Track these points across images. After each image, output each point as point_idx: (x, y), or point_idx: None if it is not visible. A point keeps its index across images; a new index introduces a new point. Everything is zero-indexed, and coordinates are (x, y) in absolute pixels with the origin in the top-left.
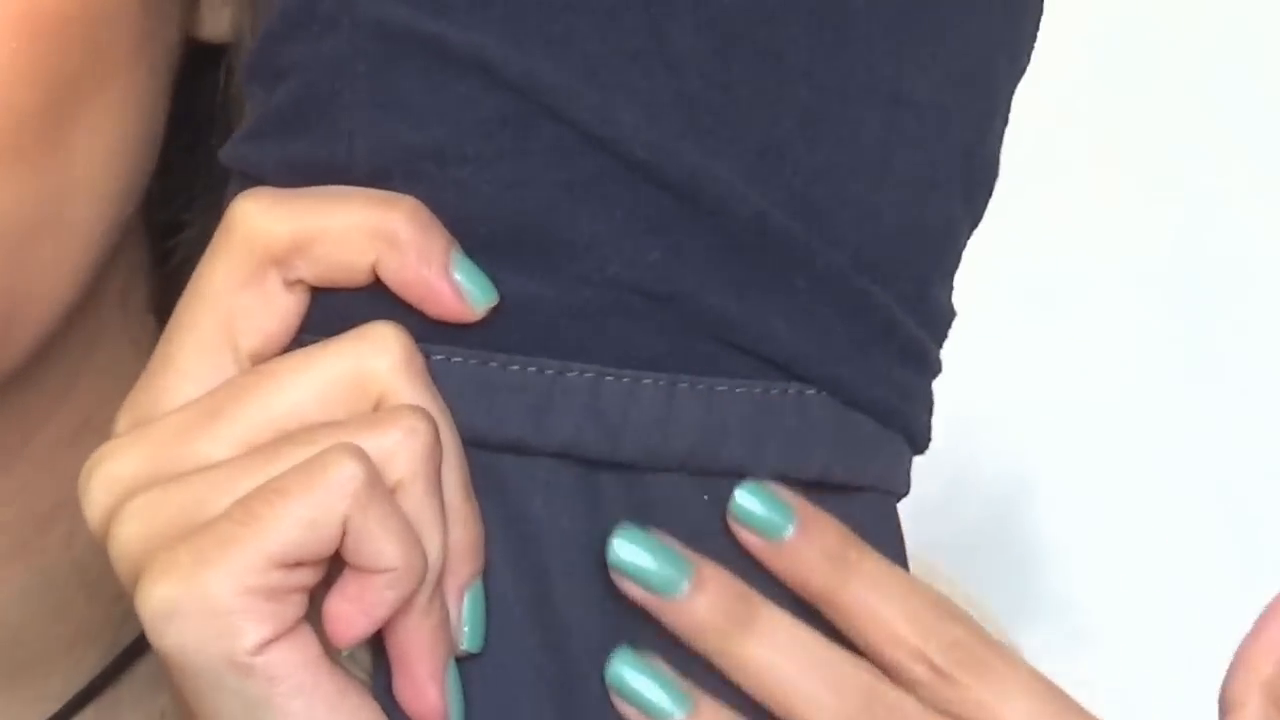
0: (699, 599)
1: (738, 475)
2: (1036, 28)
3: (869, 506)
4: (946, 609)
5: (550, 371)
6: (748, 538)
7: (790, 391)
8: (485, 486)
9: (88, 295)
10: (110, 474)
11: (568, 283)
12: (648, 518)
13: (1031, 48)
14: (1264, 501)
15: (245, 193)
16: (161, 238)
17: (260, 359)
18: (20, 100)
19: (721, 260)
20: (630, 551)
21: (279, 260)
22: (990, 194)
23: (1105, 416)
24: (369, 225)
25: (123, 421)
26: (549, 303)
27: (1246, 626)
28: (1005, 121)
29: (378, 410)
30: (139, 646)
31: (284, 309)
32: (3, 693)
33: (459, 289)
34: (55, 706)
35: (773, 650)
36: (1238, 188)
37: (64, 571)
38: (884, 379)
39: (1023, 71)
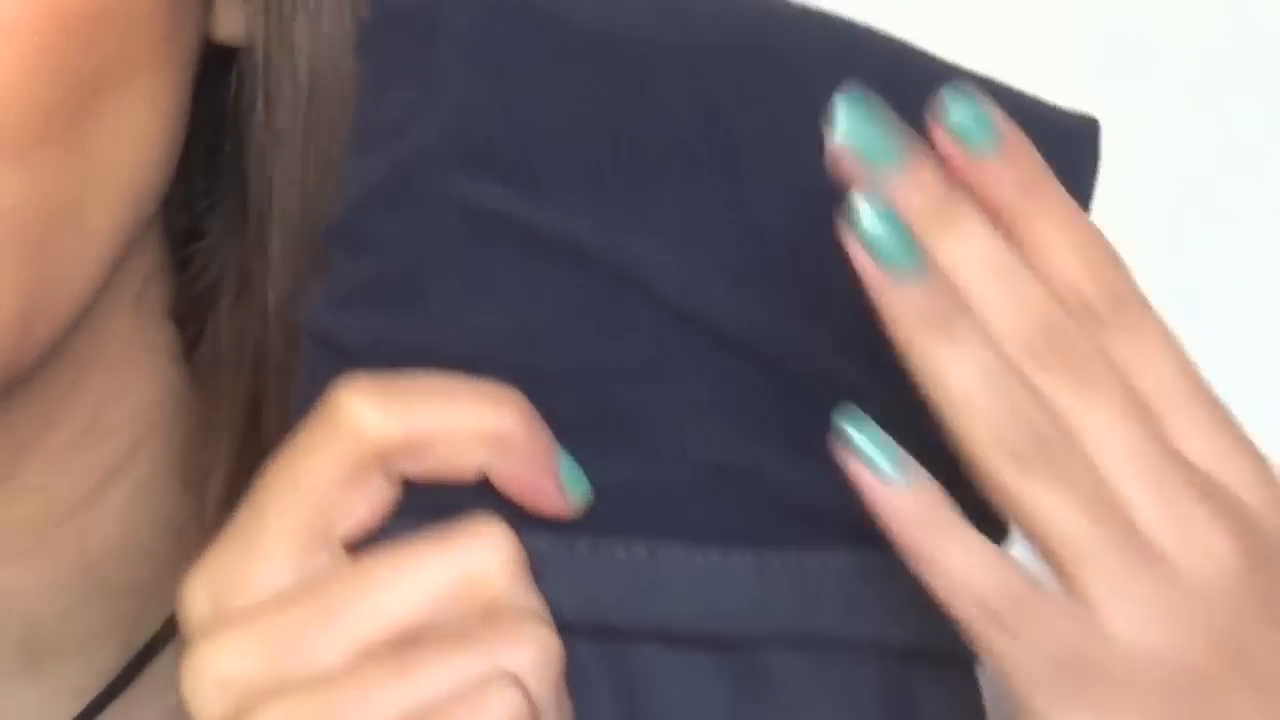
0: (911, 180)
1: (837, 644)
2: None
3: (959, 681)
4: (1118, 262)
5: (641, 551)
6: (951, 148)
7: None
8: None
9: (102, 295)
10: (225, 675)
11: (651, 464)
12: (755, 693)
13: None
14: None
15: (350, 385)
16: (181, 243)
17: (351, 544)
18: (46, 96)
19: (807, 428)
20: (853, 122)
21: (387, 460)
22: None
23: None
24: (482, 429)
25: (199, 595)
26: (635, 485)
27: None
28: None
29: (489, 613)
30: (155, 645)
31: (383, 501)
32: (22, 684)
33: (563, 488)
34: (72, 699)
35: (967, 247)
36: (1237, 187)
37: (78, 568)
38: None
39: None
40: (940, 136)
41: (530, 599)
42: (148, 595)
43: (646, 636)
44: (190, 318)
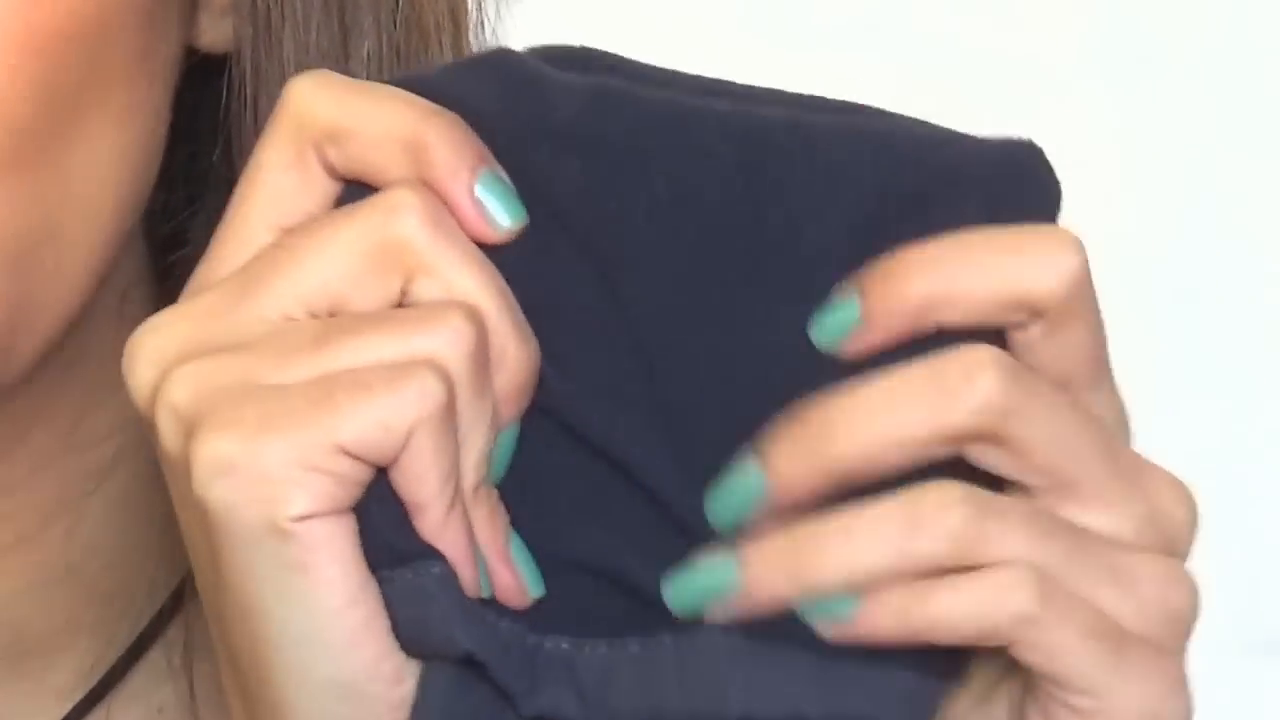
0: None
1: None
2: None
3: None
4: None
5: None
6: (855, 347)
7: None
8: None
9: (84, 304)
10: (155, 347)
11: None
12: None
13: None
14: (1264, 502)
15: (308, 72)
16: (164, 250)
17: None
18: (20, 115)
19: (656, 540)
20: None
21: (317, 142)
22: None
23: None
24: (403, 134)
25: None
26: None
27: (1246, 628)
28: None
29: (412, 286)
30: (139, 645)
31: (325, 192)
32: (6, 685)
33: (481, 208)
34: (56, 700)
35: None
36: (1238, 188)
37: (62, 569)
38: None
39: None
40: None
41: (453, 262)
42: (131, 597)
43: None
44: None
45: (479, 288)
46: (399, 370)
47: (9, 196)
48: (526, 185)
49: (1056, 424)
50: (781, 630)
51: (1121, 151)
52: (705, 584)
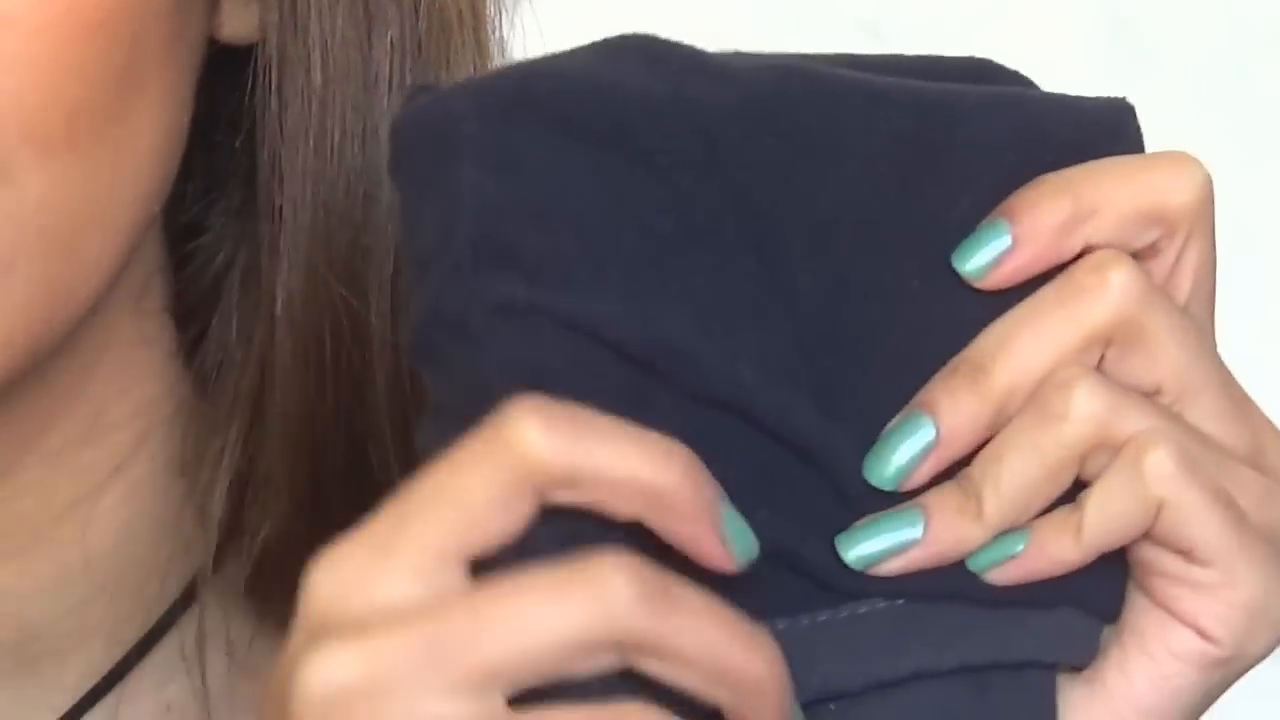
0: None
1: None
2: None
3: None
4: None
5: None
6: (1005, 271)
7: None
8: None
9: (107, 291)
10: (326, 691)
11: None
12: None
13: None
14: None
15: (523, 405)
16: (182, 239)
17: (478, 557)
18: (70, 94)
19: (822, 511)
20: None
21: (545, 488)
22: None
23: None
24: (644, 480)
25: (324, 579)
26: None
27: None
28: None
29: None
30: (149, 641)
31: (525, 524)
32: (17, 684)
33: (726, 545)
34: (66, 698)
35: None
36: (1237, 187)
37: (78, 566)
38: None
39: None
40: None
41: (672, 639)
42: (145, 593)
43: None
44: (191, 315)
45: (706, 647)
46: None
47: (62, 176)
48: (700, 164)
49: (1183, 329)
50: (944, 591)
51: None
52: (889, 536)
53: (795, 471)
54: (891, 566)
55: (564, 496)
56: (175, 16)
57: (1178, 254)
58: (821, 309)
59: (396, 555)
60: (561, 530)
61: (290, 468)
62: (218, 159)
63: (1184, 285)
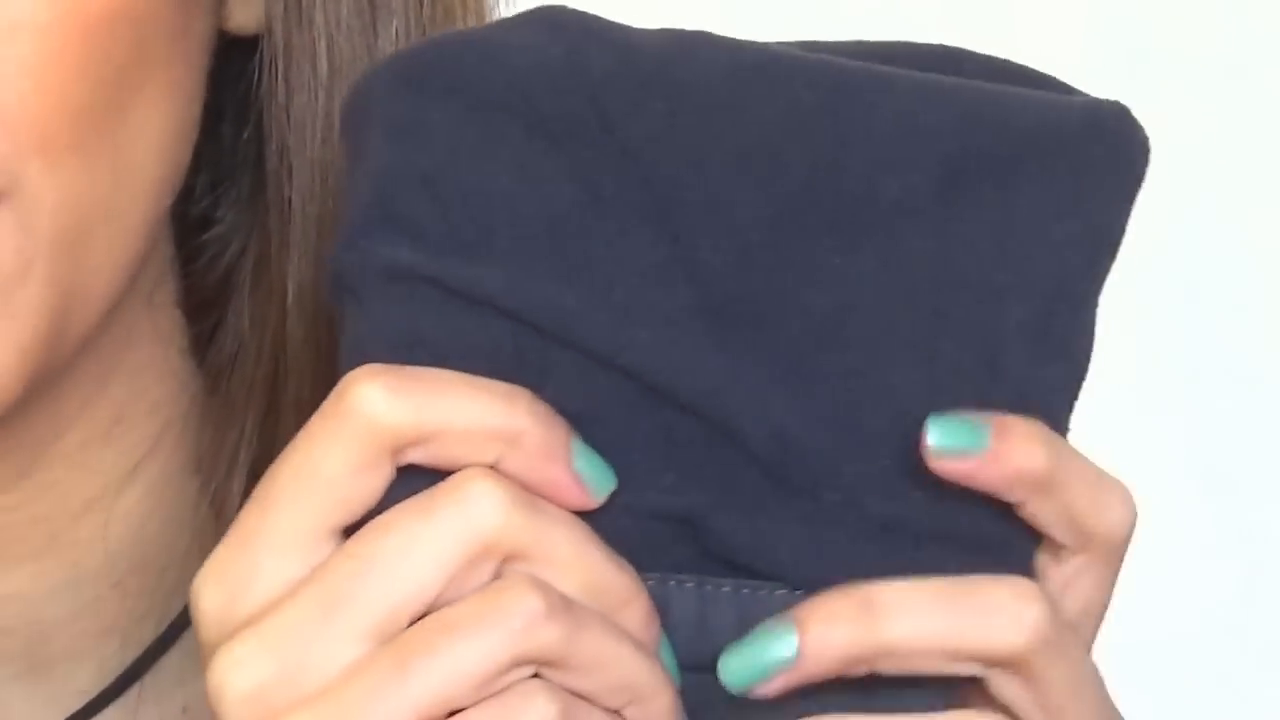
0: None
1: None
2: (1116, 187)
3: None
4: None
5: None
6: (951, 467)
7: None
8: None
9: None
10: (244, 691)
11: (587, 513)
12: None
13: (1115, 203)
14: (1264, 504)
15: (363, 372)
16: (190, 233)
17: (346, 527)
18: (73, 94)
19: (735, 481)
20: (747, 668)
21: (397, 449)
22: (1082, 368)
23: (1104, 418)
24: (493, 425)
25: (209, 593)
26: None
27: (1246, 631)
28: (1093, 292)
29: (505, 569)
30: (164, 642)
31: (385, 485)
32: (29, 686)
33: (581, 480)
34: (80, 701)
35: None
36: (1238, 188)
37: (94, 567)
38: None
39: (1110, 227)
40: (943, 467)
41: (542, 537)
42: (159, 594)
43: None
44: (202, 309)
45: (579, 555)
46: (505, 702)
47: (69, 179)
48: (594, 132)
49: (1072, 682)
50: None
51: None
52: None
53: (701, 437)
54: (774, 686)
55: (417, 455)
56: (180, 12)
57: (1076, 573)
58: (725, 277)
59: (268, 545)
60: (420, 489)
61: None
62: (225, 151)
63: (1072, 608)
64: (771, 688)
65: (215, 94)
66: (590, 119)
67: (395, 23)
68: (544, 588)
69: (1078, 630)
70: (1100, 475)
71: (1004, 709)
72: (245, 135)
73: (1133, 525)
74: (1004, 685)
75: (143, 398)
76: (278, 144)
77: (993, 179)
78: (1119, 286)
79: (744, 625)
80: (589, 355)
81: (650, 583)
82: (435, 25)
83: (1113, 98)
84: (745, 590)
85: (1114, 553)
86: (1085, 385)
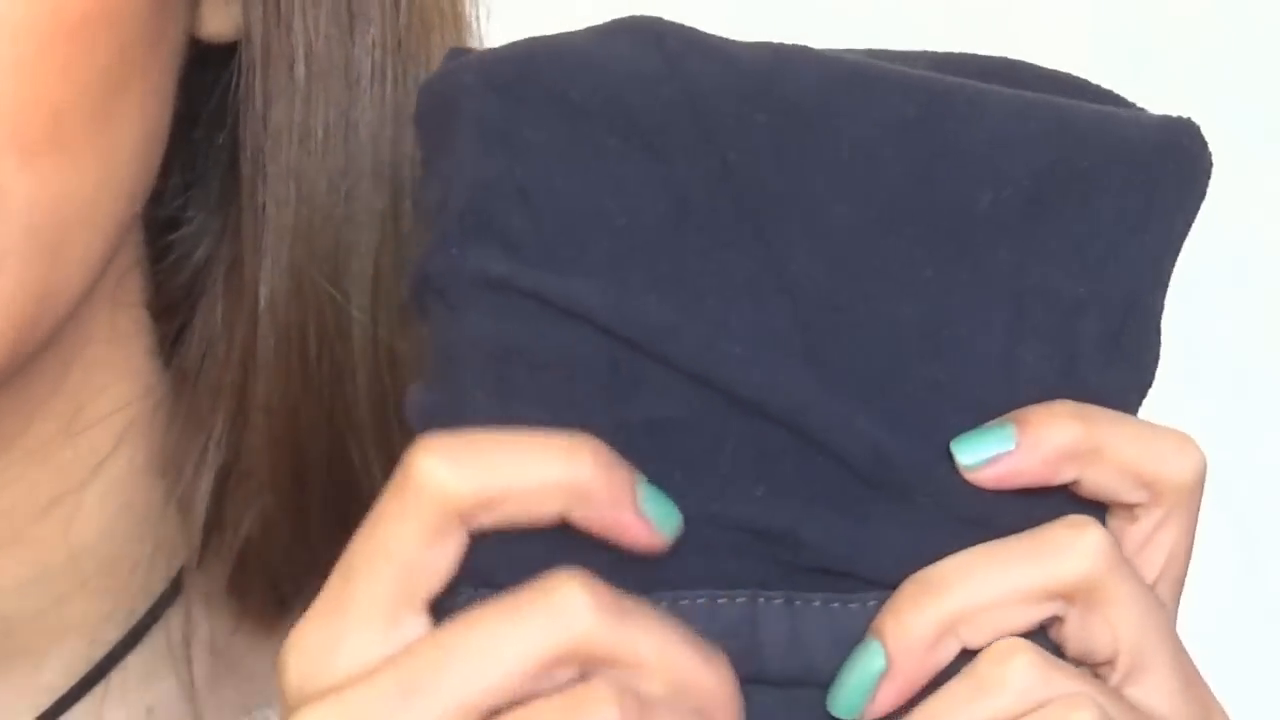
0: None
1: None
2: (1184, 203)
3: None
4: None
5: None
6: (995, 471)
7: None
8: None
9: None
10: None
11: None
12: None
13: (1181, 217)
14: (1263, 505)
15: (423, 446)
16: (158, 233)
17: (434, 602)
18: (56, 95)
19: (828, 491)
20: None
21: (466, 518)
22: (1148, 377)
23: None
24: (557, 480)
25: (290, 668)
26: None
27: (1245, 631)
28: (1160, 304)
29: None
30: (129, 641)
31: (462, 554)
32: None
33: (650, 523)
34: (44, 697)
35: None
36: (1238, 188)
37: (59, 564)
38: None
39: (1175, 240)
40: (984, 478)
41: (630, 644)
42: (124, 592)
43: None
44: (169, 311)
45: (667, 656)
46: None
47: (51, 179)
48: (693, 144)
49: (1145, 603)
50: None
51: None
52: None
53: (793, 449)
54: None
55: (488, 520)
56: (157, 16)
57: (1155, 526)
58: (819, 289)
59: (350, 618)
60: (498, 546)
61: (273, 463)
62: (196, 154)
63: (1156, 560)
64: (880, 705)
65: (188, 99)
66: (690, 131)
67: (372, 31)
68: (624, 697)
69: (1167, 578)
70: (1151, 428)
71: (1088, 649)
72: (219, 140)
73: (1200, 468)
74: (1084, 619)
75: (103, 394)
76: (253, 150)
77: (1075, 194)
78: None
79: (837, 638)
80: (682, 369)
81: (740, 600)
82: (412, 33)
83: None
84: (835, 604)
85: (1185, 499)
86: None
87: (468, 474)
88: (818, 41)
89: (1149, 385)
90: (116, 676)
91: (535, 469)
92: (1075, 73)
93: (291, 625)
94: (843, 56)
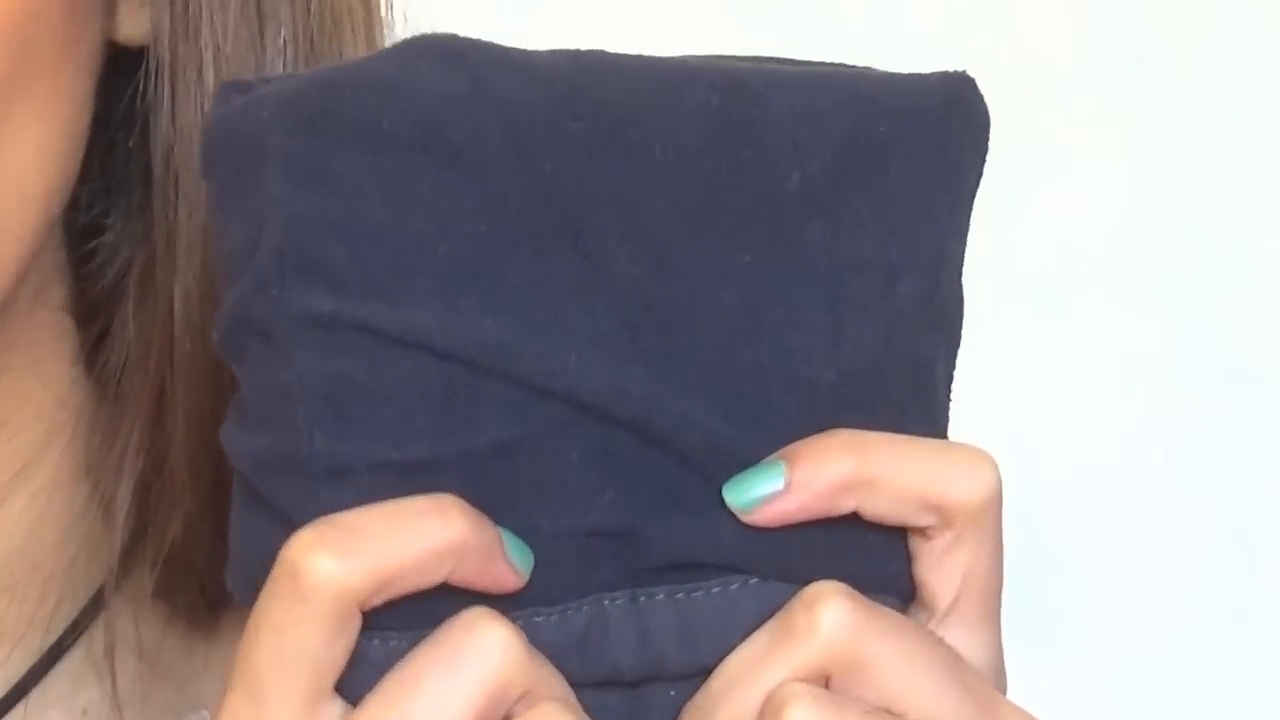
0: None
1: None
2: (974, 156)
3: None
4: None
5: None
6: (769, 512)
7: (751, 583)
8: None
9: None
10: None
11: (530, 540)
12: None
13: (973, 171)
14: (1262, 505)
15: (304, 542)
16: (80, 240)
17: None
18: None
19: (670, 487)
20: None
21: (364, 604)
22: (958, 332)
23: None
24: (438, 546)
25: None
26: None
27: (1244, 631)
28: (961, 258)
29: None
30: (62, 645)
31: (357, 635)
32: None
33: (514, 567)
34: None
35: None
36: (1237, 188)
37: None
38: (843, 561)
39: (968, 193)
40: (759, 517)
41: (548, 684)
42: (53, 597)
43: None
44: (91, 316)
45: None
46: None
47: None
48: (507, 159)
49: (909, 654)
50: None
51: (1123, 151)
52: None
53: (635, 449)
54: (764, 515)
55: (381, 599)
56: (68, 21)
57: (948, 547)
58: (643, 289)
59: (272, 715)
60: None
61: (194, 468)
62: (115, 159)
63: (950, 581)
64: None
65: (107, 104)
66: (503, 146)
67: (283, 33)
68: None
69: (969, 596)
70: (937, 449)
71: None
72: (131, 144)
73: (990, 487)
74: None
75: (28, 401)
76: (163, 154)
77: (876, 160)
78: (1121, 286)
79: (686, 629)
80: (522, 384)
81: (585, 608)
82: (324, 36)
83: (1109, 102)
84: (680, 594)
85: (975, 519)
86: (1082, 385)
87: (358, 563)
88: (819, 42)
89: (959, 342)
90: (47, 682)
91: (417, 540)
92: (1074, 73)
93: (221, 626)
94: (645, 58)
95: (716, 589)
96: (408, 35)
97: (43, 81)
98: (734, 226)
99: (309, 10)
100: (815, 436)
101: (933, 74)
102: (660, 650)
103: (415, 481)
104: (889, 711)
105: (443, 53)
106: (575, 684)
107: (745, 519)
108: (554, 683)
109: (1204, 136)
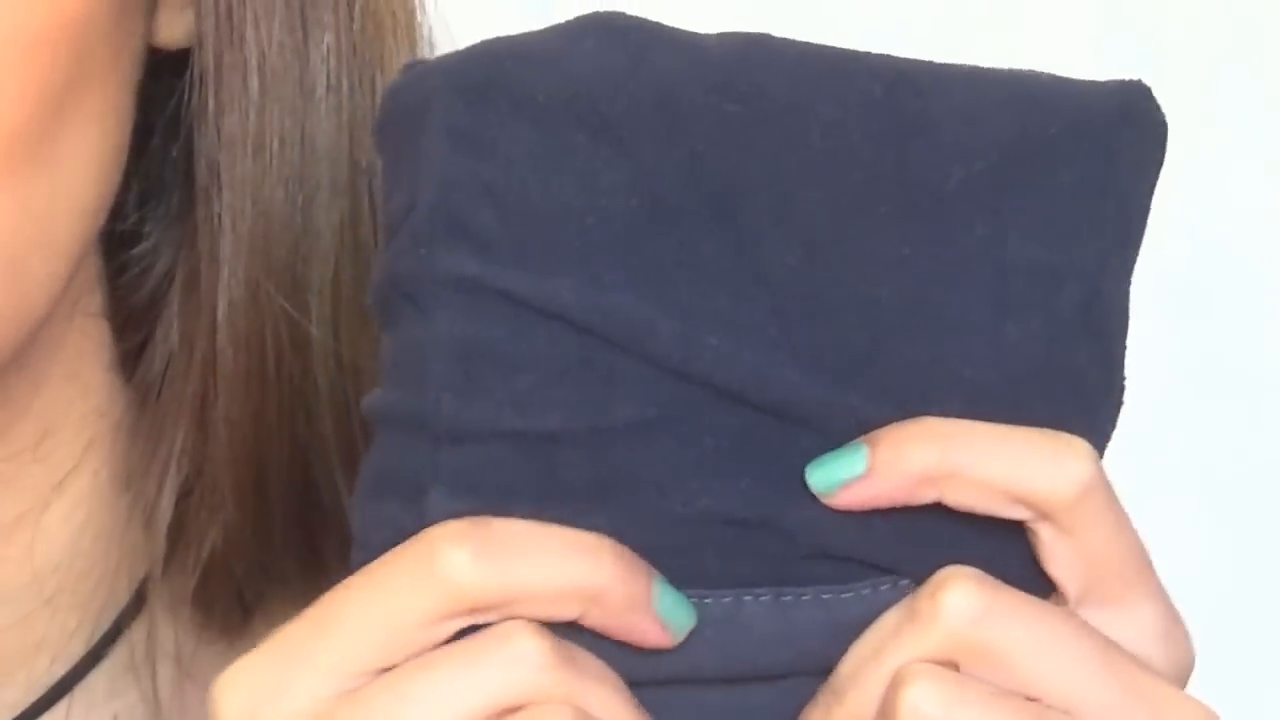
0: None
1: None
2: (1147, 166)
3: None
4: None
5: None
6: (849, 496)
7: (902, 584)
8: None
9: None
10: None
11: (657, 523)
12: None
13: (1145, 181)
14: (1262, 506)
15: (451, 532)
16: (119, 247)
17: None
18: (10, 118)
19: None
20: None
21: (478, 612)
22: (1122, 344)
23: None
24: (576, 586)
25: (231, 696)
26: (641, 548)
27: (1244, 632)
28: (1128, 269)
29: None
30: (93, 657)
31: (447, 638)
32: None
33: (661, 623)
34: (7, 714)
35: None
36: (1237, 188)
37: (24, 583)
38: (992, 561)
39: (1141, 203)
40: (842, 500)
41: (581, 702)
42: (89, 607)
43: (674, 682)
44: (131, 324)
45: (611, 715)
46: None
47: (7, 200)
48: (661, 137)
49: (1043, 639)
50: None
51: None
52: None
53: (776, 436)
54: (844, 499)
55: (495, 615)
56: (116, 30)
57: (1054, 540)
58: (795, 277)
59: (314, 667)
60: None
61: (235, 476)
62: (153, 166)
63: (1072, 570)
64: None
65: (144, 110)
66: (658, 124)
67: (327, 39)
68: None
69: (1106, 580)
70: (1024, 440)
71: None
72: (175, 152)
73: (1080, 476)
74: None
75: (70, 411)
76: (207, 161)
77: (1042, 163)
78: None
79: (835, 628)
80: (660, 364)
81: (727, 600)
82: (366, 41)
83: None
84: (827, 595)
85: (1073, 510)
86: None
87: (490, 572)
88: (820, 41)
89: (1124, 352)
90: (81, 691)
91: (557, 572)
92: (1078, 73)
93: (255, 634)
94: (810, 44)
95: (867, 591)
96: (447, 41)
97: (94, 91)
98: (892, 220)
99: (353, 14)
100: (902, 422)
101: (1108, 81)
102: (805, 645)
103: (538, 454)
104: (1024, 696)
105: (606, 29)
106: (703, 678)
107: (826, 502)
108: (594, 707)
109: (1204, 136)
